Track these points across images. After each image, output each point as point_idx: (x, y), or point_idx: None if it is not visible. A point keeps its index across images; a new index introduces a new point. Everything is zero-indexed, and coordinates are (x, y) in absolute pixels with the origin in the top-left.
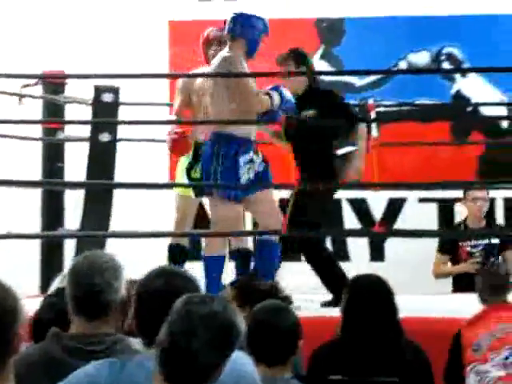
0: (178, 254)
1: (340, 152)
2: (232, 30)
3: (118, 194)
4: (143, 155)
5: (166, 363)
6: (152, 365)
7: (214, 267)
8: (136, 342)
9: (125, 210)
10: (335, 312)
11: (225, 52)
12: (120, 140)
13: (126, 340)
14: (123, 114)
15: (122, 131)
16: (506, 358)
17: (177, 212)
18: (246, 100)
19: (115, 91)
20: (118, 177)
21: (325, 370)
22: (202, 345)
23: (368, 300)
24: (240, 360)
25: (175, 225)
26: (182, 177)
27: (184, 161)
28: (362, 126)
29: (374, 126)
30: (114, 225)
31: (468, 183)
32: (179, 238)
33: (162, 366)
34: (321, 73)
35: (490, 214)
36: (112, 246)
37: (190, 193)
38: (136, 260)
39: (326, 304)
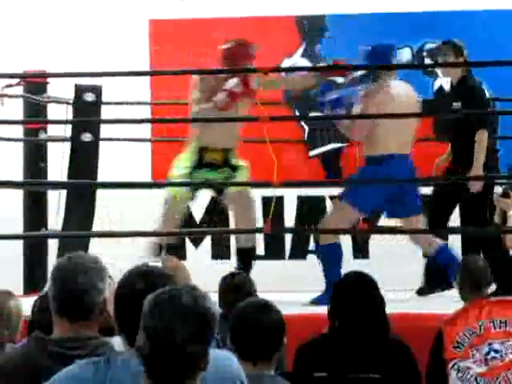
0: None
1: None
2: None
3: (101, 193)
4: (126, 154)
5: (150, 366)
6: (136, 363)
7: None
8: (117, 341)
9: (109, 208)
10: (320, 309)
11: None
12: (102, 139)
13: (109, 343)
14: (105, 113)
15: (104, 130)
16: (487, 354)
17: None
18: None
19: (97, 90)
20: (101, 176)
21: (310, 366)
22: (181, 340)
23: (354, 297)
24: (224, 358)
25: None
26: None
27: (183, 162)
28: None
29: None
30: (98, 224)
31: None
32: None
33: (147, 370)
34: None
35: None
36: (95, 247)
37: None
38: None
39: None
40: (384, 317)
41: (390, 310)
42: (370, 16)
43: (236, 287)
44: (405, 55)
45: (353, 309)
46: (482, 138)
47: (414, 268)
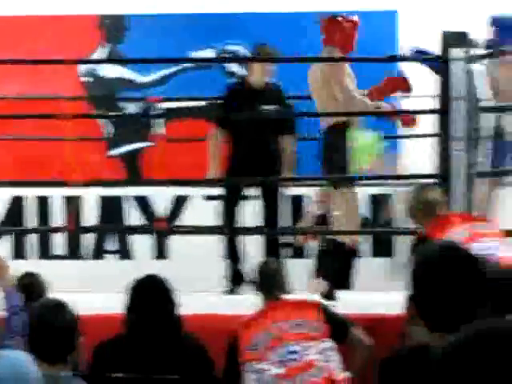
0: None
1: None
2: None
3: None
4: None
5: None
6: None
7: None
8: None
9: None
10: (117, 310)
11: None
12: None
13: None
14: None
15: None
16: (284, 355)
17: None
18: None
19: None
20: None
21: (106, 367)
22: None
23: (146, 298)
24: (19, 358)
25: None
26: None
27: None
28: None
29: (161, 122)
30: None
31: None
32: None
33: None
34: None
35: None
36: None
37: None
38: None
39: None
40: (176, 317)
41: (191, 311)
42: (171, 16)
43: (25, 287)
44: (208, 55)
45: (145, 310)
46: (291, 142)
47: (214, 269)
